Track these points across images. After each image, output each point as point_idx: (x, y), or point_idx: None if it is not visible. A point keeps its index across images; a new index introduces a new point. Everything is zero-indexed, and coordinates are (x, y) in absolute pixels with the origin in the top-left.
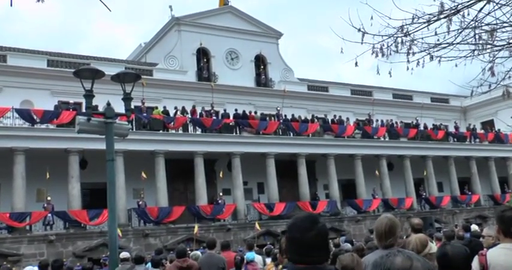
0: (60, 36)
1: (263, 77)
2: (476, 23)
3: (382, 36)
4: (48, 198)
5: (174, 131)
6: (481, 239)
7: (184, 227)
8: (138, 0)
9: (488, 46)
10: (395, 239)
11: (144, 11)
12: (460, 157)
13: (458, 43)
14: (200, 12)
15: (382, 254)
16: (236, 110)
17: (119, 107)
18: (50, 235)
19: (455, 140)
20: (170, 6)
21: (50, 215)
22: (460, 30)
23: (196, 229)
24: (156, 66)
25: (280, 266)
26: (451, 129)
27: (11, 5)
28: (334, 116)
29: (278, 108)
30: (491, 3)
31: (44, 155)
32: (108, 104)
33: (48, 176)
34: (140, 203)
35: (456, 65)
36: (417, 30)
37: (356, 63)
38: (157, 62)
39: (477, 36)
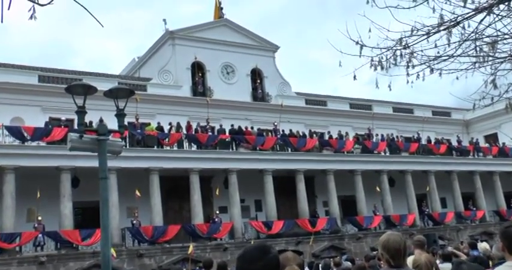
0: (51, 51)
1: (260, 91)
2: (477, 35)
3: (381, 48)
4: (39, 217)
5: (168, 148)
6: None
7: (179, 246)
8: (131, 14)
9: (490, 58)
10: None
11: (137, 25)
12: (463, 172)
13: (458, 55)
14: (195, 25)
15: None
16: (232, 125)
17: (112, 123)
18: (41, 256)
19: (458, 154)
20: (164, 20)
21: (40, 235)
22: (460, 43)
23: (190, 249)
24: (150, 81)
25: None
26: (454, 143)
27: (1, 22)
28: (330, 132)
29: (275, 123)
30: (491, 15)
31: (35, 173)
32: (101, 121)
33: (39, 195)
34: (134, 222)
35: (457, 78)
36: (416, 43)
37: (355, 77)
38: (151, 77)
39: (478, 49)
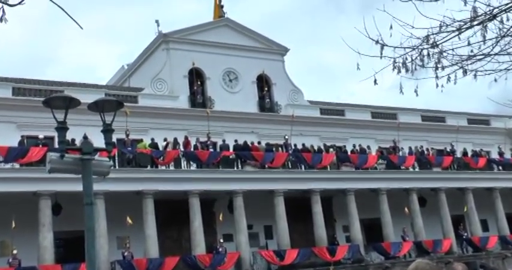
0: (28, 60)
1: (267, 100)
2: None
3: (405, 48)
4: (14, 251)
5: (164, 167)
6: None
7: None
8: (119, 15)
9: None
10: None
11: (127, 27)
12: (507, 189)
13: (496, 54)
14: (192, 26)
15: None
16: (236, 140)
17: (99, 141)
18: None
19: (500, 168)
20: (157, 21)
21: None
22: (498, 39)
23: None
24: (142, 92)
25: None
26: (495, 155)
27: None
28: (354, 145)
29: (286, 137)
30: None
31: (9, 199)
32: (85, 138)
33: (14, 225)
34: (126, 253)
35: (495, 80)
36: (446, 40)
37: (375, 81)
38: (143, 87)
39: None
